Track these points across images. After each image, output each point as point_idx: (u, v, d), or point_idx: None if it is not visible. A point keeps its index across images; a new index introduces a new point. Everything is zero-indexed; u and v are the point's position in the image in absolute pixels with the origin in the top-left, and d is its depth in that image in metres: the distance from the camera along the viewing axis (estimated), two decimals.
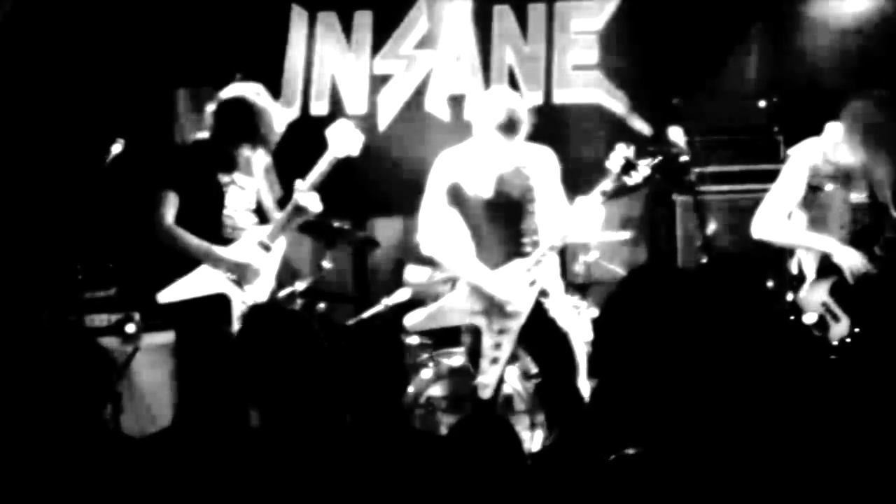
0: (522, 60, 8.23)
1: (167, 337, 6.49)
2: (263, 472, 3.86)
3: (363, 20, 8.24)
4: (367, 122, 7.96)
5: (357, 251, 8.23)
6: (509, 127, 5.79)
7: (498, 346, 5.88)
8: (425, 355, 6.85)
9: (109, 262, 7.05)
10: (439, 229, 5.96)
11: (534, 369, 6.64)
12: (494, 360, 5.88)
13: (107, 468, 4.06)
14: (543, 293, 5.91)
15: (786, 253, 6.13)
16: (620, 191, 5.92)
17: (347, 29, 8.25)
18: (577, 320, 6.64)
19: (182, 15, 8.13)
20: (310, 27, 8.25)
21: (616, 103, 8.23)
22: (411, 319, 6.07)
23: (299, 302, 6.68)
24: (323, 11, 8.26)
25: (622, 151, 5.83)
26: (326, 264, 6.91)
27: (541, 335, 5.91)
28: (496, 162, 5.89)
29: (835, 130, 5.96)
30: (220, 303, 5.94)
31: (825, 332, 5.90)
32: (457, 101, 8.17)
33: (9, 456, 4.10)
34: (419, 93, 8.26)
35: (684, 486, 3.34)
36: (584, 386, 6.04)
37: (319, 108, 8.25)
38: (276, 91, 7.98)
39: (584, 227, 5.88)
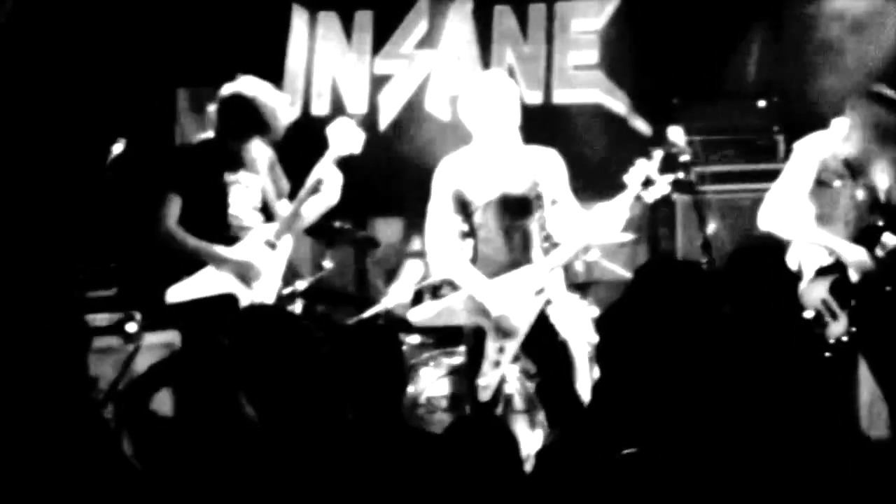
0: (522, 60, 8.24)
1: (168, 336, 6.49)
2: (263, 470, 3.86)
3: (364, 20, 8.25)
4: (368, 121, 7.98)
5: (357, 251, 8.24)
6: (511, 119, 5.77)
7: (501, 349, 5.82)
8: (425, 355, 6.85)
9: (110, 261, 7.05)
10: (443, 239, 5.89)
11: (534, 369, 6.64)
12: (496, 364, 5.82)
13: (107, 467, 4.06)
14: (547, 301, 5.85)
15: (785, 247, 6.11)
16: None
17: (348, 29, 8.26)
18: (578, 324, 6.63)
19: (182, 15, 8.14)
20: (310, 27, 8.26)
21: (616, 103, 8.24)
22: (416, 314, 6.06)
23: (299, 302, 6.69)
24: (323, 11, 8.27)
25: (643, 168, 5.77)
26: (327, 264, 6.92)
27: (541, 342, 5.85)
28: (499, 164, 5.83)
29: (841, 126, 5.95)
30: (228, 302, 5.94)
31: (823, 329, 5.89)
32: (456, 101, 8.20)
33: (9, 456, 4.10)
34: (419, 93, 8.27)
35: (686, 486, 3.35)
36: (586, 388, 6.03)
37: (320, 107, 8.26)
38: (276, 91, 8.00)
39: (603, 234, 5.84)
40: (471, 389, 5.88)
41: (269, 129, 6.11)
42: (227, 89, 6.15)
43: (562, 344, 5.84)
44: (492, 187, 5.83)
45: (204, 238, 6.04)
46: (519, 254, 5.83)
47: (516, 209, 5.83)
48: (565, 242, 5.82)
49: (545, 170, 5.85)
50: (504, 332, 5.80)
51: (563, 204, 5.84)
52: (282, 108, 6.19)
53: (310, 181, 6.12)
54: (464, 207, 5.86)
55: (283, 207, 6.26)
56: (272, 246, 6.12)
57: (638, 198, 5.77)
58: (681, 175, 5.95)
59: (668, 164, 5.96)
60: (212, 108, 6.19)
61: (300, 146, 6.48)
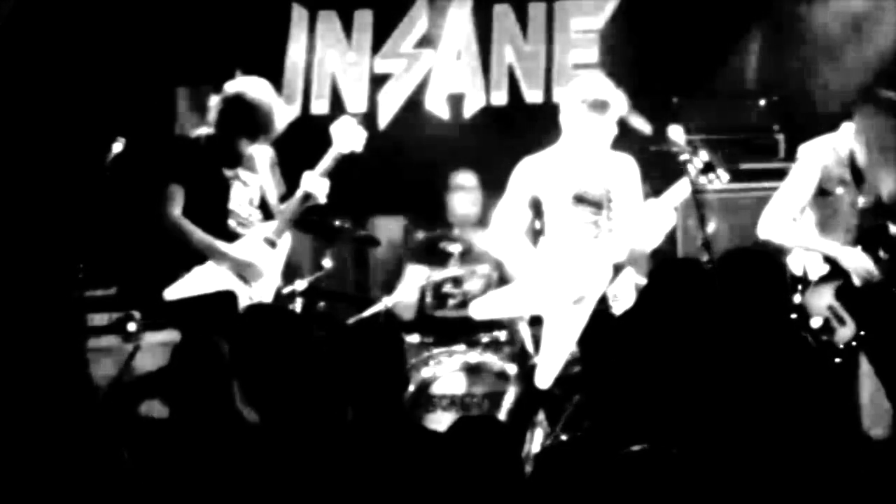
0: (523, 59, 8.23)
1: (168, 335, 6.48)
2: (262, 469, 3.86)
3: (363, 19, 8.24)
4: (368, 120, 7.97)
5: (357, 250, 8.23)
6: (598, 105, 5.85)
7: (560, 336, 5.90)
8: (426, 354, 6.85)
9: (110, 260, 7.04)
10: (508, 225, 6.01)
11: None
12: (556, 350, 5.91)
13: (106, 466, 4.06)
14: (613, 297, 5.93)
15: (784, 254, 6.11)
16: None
17: (348, 28, 8.25)
18: None
19: (182, 13, 8.13)
20: (310, 26, 8.25)
21: None
22: (478, 308, 6.14)
23: (299, 301, 6.68)
24: (323, 10, 8.26)
25: (703, 156, 5.86)
26: (326, 263, 6.91)
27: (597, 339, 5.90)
28: (577, 166, 5.96)
29: (849, 133, 5.94)
30: (226, 300, 5.94)
31: (831, 335, 5.87)
32: (457, 100, 8.20)
33: (9, 455, 4.10)
34: (419, 91, 8.26)
35: (690, 486, 3.34)
36: None
37: (320, 106, 8.24)
38: (276, 90, 7.98)
39: (656, 230, 5.92)
40: (528, 376, 5.95)
41: (264, 131, 6.14)
42: (228, 88, 6.16)
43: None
44: (567, 190, 5.94)
45: (204, 231, 6.04)
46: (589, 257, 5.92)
47: (589, 211, 5.96)
48: (619, 239, 5.89)
49: (618, 173, 5.99)
50: (565, 318, 5.89)
51: (630, 206, 5.97)
52: (280, 110, 6.21)
53: (298, 194, 6.17)
54: (537, 207, 5.99)
55: (279, 207, 6.27)
56: (272, 244, 6.13)
57: (699, 186, 5.83)
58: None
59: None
60: (213, 104, 6.20)
61: (300, 145, 6.49)
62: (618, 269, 5.98)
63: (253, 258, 6.07)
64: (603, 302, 5.94)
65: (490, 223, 6.19)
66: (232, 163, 6.12)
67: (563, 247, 6.00)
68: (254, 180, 6.19)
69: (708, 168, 5.84)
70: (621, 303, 5.98)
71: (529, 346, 6.02)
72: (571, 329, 5.89)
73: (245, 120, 6.11)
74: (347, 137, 6.17)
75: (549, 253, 6.03)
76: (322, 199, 6.21)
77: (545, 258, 6.00)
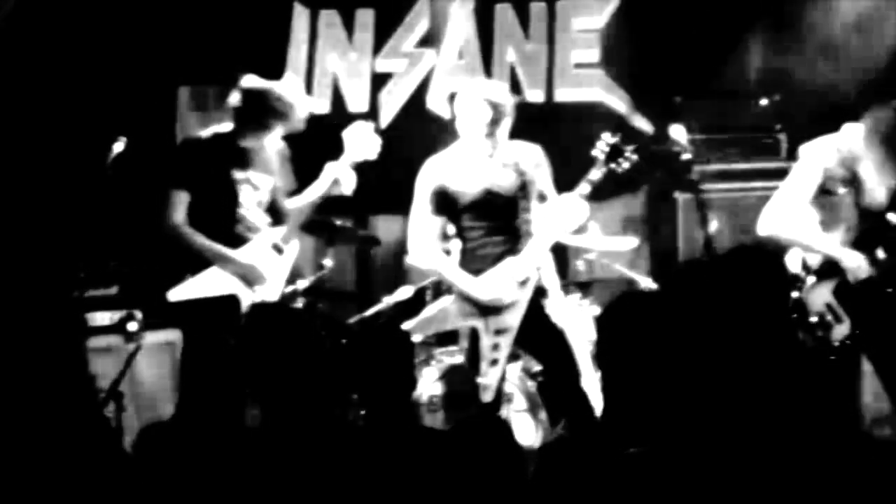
0: (524, 59, 8.23)
1: (169, 335, 6.48)
2: (264, 469, 3.86)
3: (365, 19, 8.25)
4: (369, 120, 7.97)
5: (359, 249, 8.23)
6: (493, 121, 5.81)
7: (496, 346, 5.83)
8: (426, 354, 6.85)
9: (111, 260, 7.04)
10: (424, 238, 5.92)
11: (536, 367, 6.64)
12: (494, 362, 5.83)
13: (107, 467, 4.06)
14: (541, 292, 5.88)
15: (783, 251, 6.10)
16: (611, 181, 5.90)
17: (349, 27, 8.25)
18: (576, 318, 6.63)
19: (184, 13, 8.13)
20: (311, 25, 8.26)
21: (618, 102, 8.23)
22: (410, 325, 6.08)
23: (301, 300, 6.68)
24: (325, 10, 8.27)
25: (607, 139, 5.82)
26: (328, 262, 6.91)
27: (538, 334, 5.87)
28: (484, 161, 5.87)
29: (852, 133, 5.92)
30: (229, 303, 5.93)
31: (827, 332, 5.88)
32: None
33: (9, 455, 4.10)
34: (421, 91, 8.26)
35: (690, 486, 3.34)
36: (589, 384, 6.03)
37: (321, 106, 8.25)
38: None
39: (570, 221, 5.84)
40: (472, 390, 5.89)
41: (289, 117, 6.07)
42: (249, 81, 6.10)
43: (559, 334, 5.84)
44: (476, 184, 5.86)
45: (211, 236, 6.00)
46: (503, 249, 5.85)
47: (501, 205, 5.87)
48: (538, 232, 5.85)
49: (529, 165, 5.89)
50: (497, 330, 5.83)
51: (544, 198, 5.89)
52: (303, 99, 6.15)
53: (324, 184, 6.12)
54: (447, 205, 5.90)
55: (289, 204, 6.23)
56: (279, 250, 6.10)
57: (609, 171, 5.80)
58: (645, 146, 5.96)
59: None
60: (233, 100, 6.11)
61: (299, 145, 6.47)
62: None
63: (258, 264, 6.04)
64: (537, 298, 5.87)
65: (409, 237, 6.02)
66: (244, 164, 6.07)
67: (481, 258, 5.92)
68: (264, 182, 6.13)
69: (615, 153, 5.81)
70: (550, 297, 5.92)
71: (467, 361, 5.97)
72: (507, 336, 5.84)
73: (268, 108, 6.03)
74: (361, 144, 6.13)
75: (468, 260, 5.94)
76: (348, 190, 6.16)
77: (466, 268, 5.92)
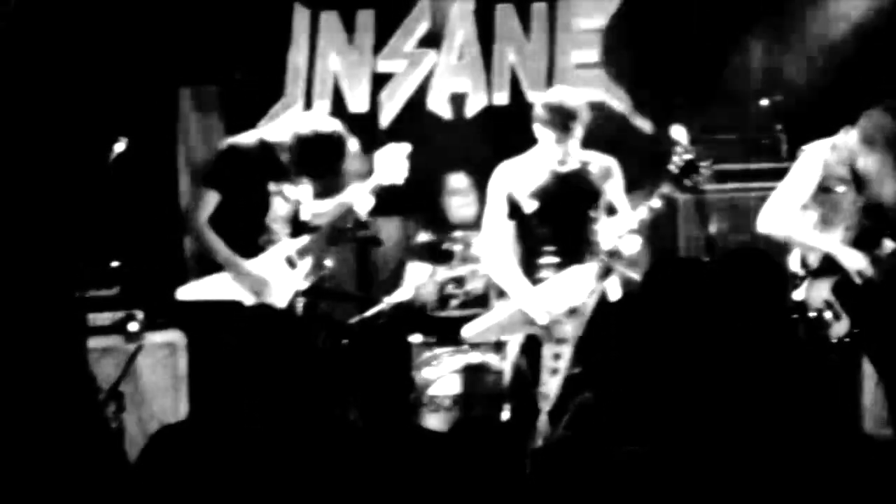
0: (524, 59, 8.23)
1: (170, 336, 6.50)
2: (265, 469, 3.86)
3: (365, 19, 8.23)
4: (369, 120, 7.98)
5: (359, 250, 8.22)
6: (564, 127, 5.83)
7: (558, 356, 5.85)
8: (428, 354, 6.85)
9: (112, 260, 7.05)
10: (496, 244, 5.96)
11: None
12: (554, 371, 5.85)
13: (108, 467, 4.06)
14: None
15: (784, 249, 6.11)
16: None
17: (350, 28, 8.25)
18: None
19: (185, 13, 8.13)
20: (312, 26, 8.25)
21: (618, 102, 8.23)
22: (470, 331, 6.08)
23: (301, 301, 6.68)
24: (325, 11, 8.26)
25: (682, 153, 5.82)
26: (328, 263, 6.90)
27: (599, 345, 5.87)
28: (554, 168, 5.92)
29: (851, 135, 5.93)
30: (234, 309, 5.93)
31: (826, 330, 5.89)
32: (458, 100, 8.19)
33: (9, 455, 4.10)
34: (421, 91, 8.26)
35: (689, 486, 3.34)
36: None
37: (321, 107, 8.24)
38: (278, 90, 7.99)
39: (626, 250, 5.89)
40: (530, 400, 5.89)
41: (335, 173, 6.15)
42: (317, 125, 6.08)
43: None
44: (544, 193, 5.90)
45: (233, 241, 6.00)
46: (572, 259, 5.88)
47: (570, 214, 5.92)
48: (603, 243, 5.88)
49: (600, 175, 5.93)
50: (559, 339, 5.85)
51: (619, 212, 5.94)
52: (351, 150, 6.19)
53: (344, 205, 6.14)
54: (516, 212, 5.94)
55: (313, 218, 6.25)
56: (292, 264, 6.10)
57: (682, 186, 5.80)
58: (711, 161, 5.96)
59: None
60: (295, 134, 6.05)
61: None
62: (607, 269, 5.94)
63: (269, 276, 6.03)
64: (601, 304, 5.91)
65: (481, 241, 6.07)
66: (279, 176, 6.07)
67: (545, 259, 5.94)
68: (294, 193, 6.14)
69: (690, 168, 5.81)
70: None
71: (525, 370, 5.97)
72: (568, 345, 5.85)
73: (327, 161, 6.05)
74: (391, 168, 6.15)
75: (531, 267, 5.96)
76: (363, 212, 6.19)
77: (528, 274, 5.93)
